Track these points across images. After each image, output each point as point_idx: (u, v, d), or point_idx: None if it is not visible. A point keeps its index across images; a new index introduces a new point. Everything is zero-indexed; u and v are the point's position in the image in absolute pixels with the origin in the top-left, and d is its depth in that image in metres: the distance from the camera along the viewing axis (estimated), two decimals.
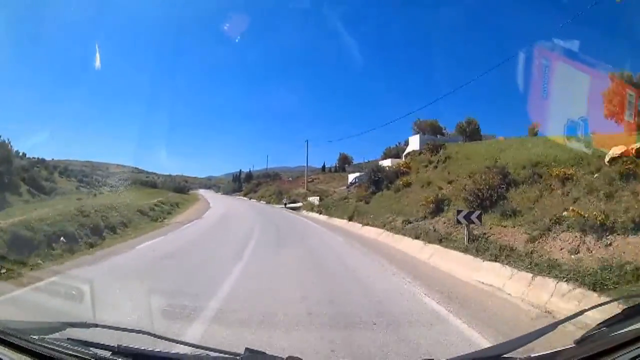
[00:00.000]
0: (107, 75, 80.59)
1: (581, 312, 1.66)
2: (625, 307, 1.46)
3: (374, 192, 18.61)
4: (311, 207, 27.28)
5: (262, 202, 47.61)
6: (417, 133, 29.19)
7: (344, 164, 59.37)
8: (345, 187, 33.27)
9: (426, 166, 17.89)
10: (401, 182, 16.51)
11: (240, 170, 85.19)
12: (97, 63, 31.96)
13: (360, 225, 14.62)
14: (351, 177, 35.62)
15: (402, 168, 18.84)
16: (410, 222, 11.60)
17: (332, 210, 20.76)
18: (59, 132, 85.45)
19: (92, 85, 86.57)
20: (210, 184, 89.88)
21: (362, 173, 31.89)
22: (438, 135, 29.14)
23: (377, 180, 18.77)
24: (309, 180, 49.56)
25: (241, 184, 73.57)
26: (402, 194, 15.87)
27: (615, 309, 1.57)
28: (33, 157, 44.04)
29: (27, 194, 29.59)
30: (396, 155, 31.64)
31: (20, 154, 42.96)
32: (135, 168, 76.96)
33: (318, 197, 30.47)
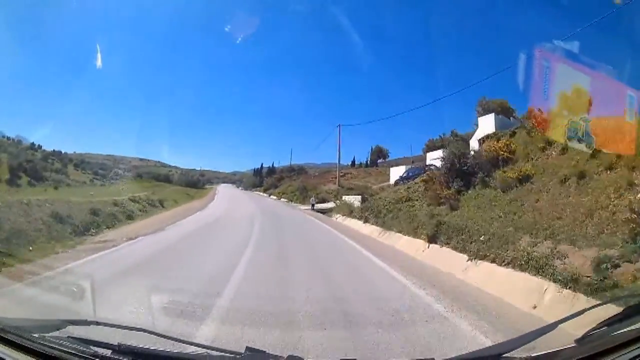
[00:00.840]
0: (130, 71, 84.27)
1: (582, 312, 1.62)
2: (626, 306, 1.43)
3: (459, 190, 12.85)
4: (349, 211, 21.24)
5: (282, 199, 42.11)
6: (483, 114, 24.24)
7: (378, 157, 56.77)
8: (389, 183, 27.26)
9: (544, 149, 11.93)
10: (512, 175, 11.12)
11: (262, 164, 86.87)
12: (99, 62, 33.93)
13: (464, 257, 8.23)
14: (395, 170, 30.68)
15: (501, 153, 13.21)
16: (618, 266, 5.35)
17: (388, 219, 15.13)
18: (84, 126, 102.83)
19: (114, 80, 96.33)
20: (234, 179, 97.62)
21: (413, 166, 27.90)
22: (511, 118, 24.19)
23: (465, 171, 13.16)
24: (341, 174, 42.38)
25: (262, 179, 75.27)
26: (518, 194, 10.22)
27: (615, 308, 1.50)
28: (51, 150, 48.53)
29: (28, 185, 28.85)
30: (441, 147, 27.80)
31: (36, 145, 47.60)
32: (158, 162, 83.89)
33: (359, 196, 23.51)
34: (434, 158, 22.00)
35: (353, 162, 62.95)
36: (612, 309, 1.52)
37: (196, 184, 58.56)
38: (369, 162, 59.81)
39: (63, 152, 51.30)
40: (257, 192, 61.37)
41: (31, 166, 33.11)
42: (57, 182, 32.67)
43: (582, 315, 1.63)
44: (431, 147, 33.82)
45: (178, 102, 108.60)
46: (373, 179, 38.97)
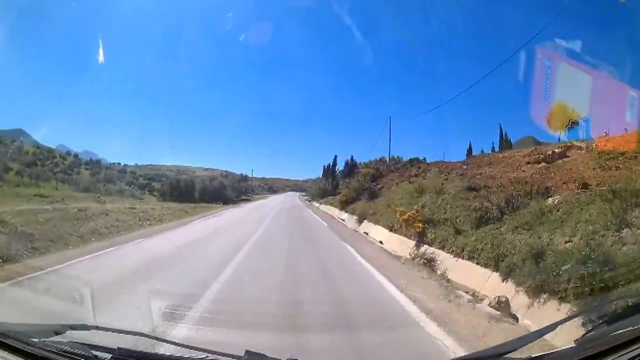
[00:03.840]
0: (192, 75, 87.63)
1: (581, 312, 1.65)
2: (625, 306, 1.34)
3: None
4: None
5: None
6: None
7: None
8: None
9: None
10: None
11: (336, 156, 53.13)
12: (101, 57, 33.19)
13: None
14: None
15: None
16: None
17: None
18: (148, 140, 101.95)
19: (182, 91, 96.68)
20: (305, 186, 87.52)
21: None
22: None
23: None
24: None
25: (336, 182, 43.37)
26: None
27: (615, 308, 1.43)
28: (88, 159, 50.53)
29: None
30: None
31: (73, 153, 48.60)
32: (224, 171, 79.30)
33: None
34: None
35: (470, 151, 34.69)
36: (611, 309, 1.50)
37: (221, 193, 42.21)
38: (495, 147, 31.66)
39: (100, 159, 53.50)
40: (323, 207, 32.08)
41: None
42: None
43: (581, 316, 1.61)
44: None
45: (248, 112, 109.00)
46: None
